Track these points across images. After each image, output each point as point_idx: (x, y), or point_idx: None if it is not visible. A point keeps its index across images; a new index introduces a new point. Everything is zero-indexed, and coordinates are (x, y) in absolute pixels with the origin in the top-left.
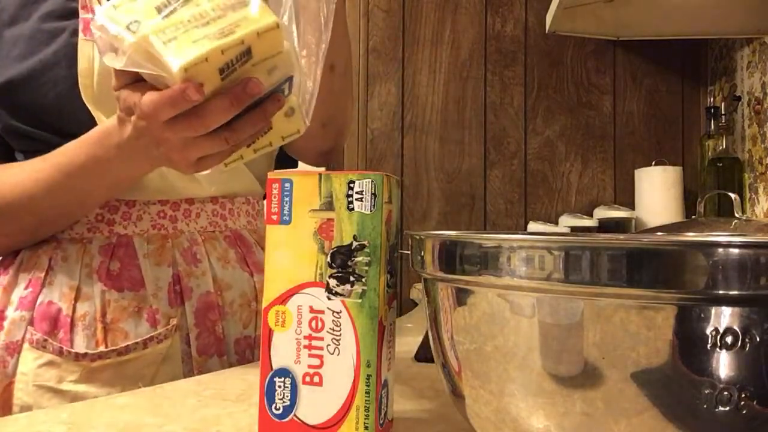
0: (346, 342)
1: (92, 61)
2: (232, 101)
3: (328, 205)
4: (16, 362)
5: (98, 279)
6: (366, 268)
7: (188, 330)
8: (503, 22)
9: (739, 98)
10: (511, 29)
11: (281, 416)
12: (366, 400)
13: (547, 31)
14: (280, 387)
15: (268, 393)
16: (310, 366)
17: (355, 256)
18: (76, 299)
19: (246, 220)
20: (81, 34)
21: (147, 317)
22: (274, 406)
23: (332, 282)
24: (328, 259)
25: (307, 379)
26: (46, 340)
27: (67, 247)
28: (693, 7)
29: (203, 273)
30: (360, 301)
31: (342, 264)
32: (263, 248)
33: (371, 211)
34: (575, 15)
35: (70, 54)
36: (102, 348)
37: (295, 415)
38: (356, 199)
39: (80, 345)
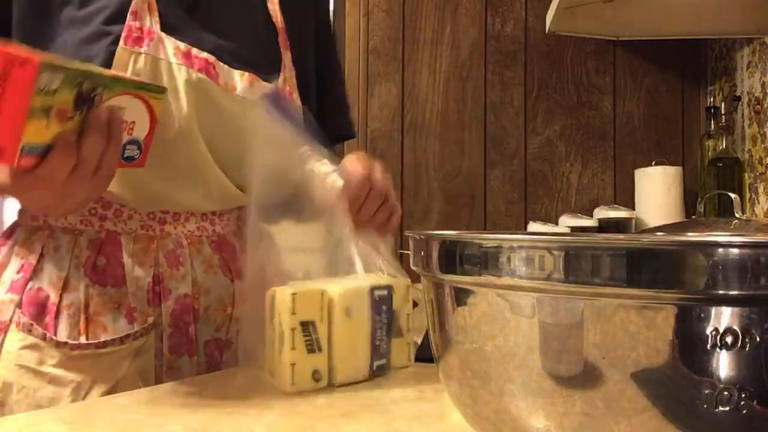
0: None
1: (127, 70)
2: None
3: None
4: (2, 341)
5: (84, 273)
6: None
7: (163, 328)
8: (503, 22)
9: (739, 98)
10: (511, 29)
11: None
12: None
13: (547, 31)
14: None
15: None
16: None
17: None
18: (63, 289)
19: (236, 225)
20: (122, 42)
21: (126, 314)
22: None
23: None
24: None
25: None
26: (32, 325)
27: (59, 236)
28: (693, 7)
29: (183, 276)
30: None
31: None
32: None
33: None
34: (575, 15)
35: (107, 62)
36: (83, 339)
37: None
38: None
39: (63, 333)
